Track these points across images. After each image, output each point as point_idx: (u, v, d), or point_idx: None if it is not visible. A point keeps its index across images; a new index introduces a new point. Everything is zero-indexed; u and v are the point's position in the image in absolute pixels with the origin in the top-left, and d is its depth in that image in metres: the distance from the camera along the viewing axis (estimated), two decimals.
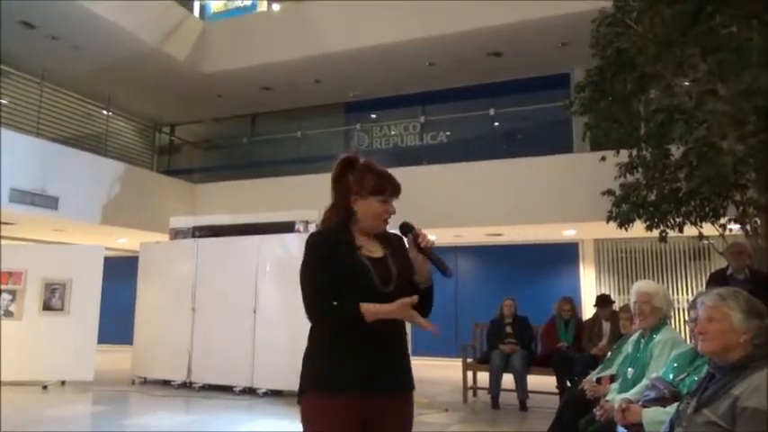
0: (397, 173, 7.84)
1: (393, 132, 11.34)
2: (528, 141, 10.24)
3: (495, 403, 6.29)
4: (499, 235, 9.89)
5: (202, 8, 11.99)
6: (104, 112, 11.37)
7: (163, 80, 10.97)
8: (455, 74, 10.57)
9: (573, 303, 6.76)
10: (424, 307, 1.92)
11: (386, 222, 1.98)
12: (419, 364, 8.58)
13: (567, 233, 9.75)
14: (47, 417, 6.14)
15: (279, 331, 7.00)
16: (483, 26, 9.14)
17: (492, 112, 10.24)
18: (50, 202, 8.21)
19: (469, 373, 6.86)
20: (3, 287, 7.86)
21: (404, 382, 1.92)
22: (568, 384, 5.89)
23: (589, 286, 10.02)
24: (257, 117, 12.47)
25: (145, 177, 10.26)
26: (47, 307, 7.88)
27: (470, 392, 6.89)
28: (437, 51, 9.84)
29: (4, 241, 10.02)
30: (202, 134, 12.88)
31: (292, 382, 6.70)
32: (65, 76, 10.25)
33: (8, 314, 7.83)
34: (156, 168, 11.50)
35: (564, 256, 10.33)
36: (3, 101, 9.91)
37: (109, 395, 7.39)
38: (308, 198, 8.92)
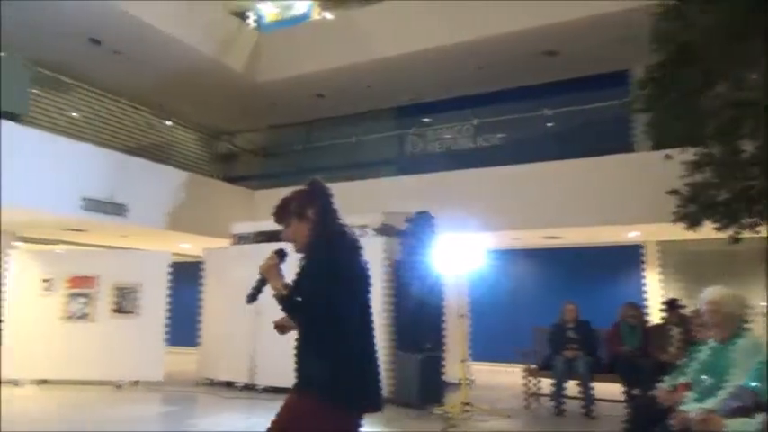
0: (451, 176, 7.90)
1: (446, 136, 11.30)
2: (586, 141, 9.96)
3: (558, 410, 6.15)
4: (557, 238, 9.69)
5: (258, 19, 12.31)
6: (166, 122, 11.84)
7: (221, 90, 11.33)
8: (508, 75, 10.45)
9: (638, 309, 6.55)
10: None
11: (294, 244, 2.30)
12: (477, 370, 8.52)
13: (630, 235, 9.44)
14: (121, 415, 6.44)
15: None
16: (537, 25, 9.01)
17: (547, 112, 10.03)
18: (119, 210, 8.61)
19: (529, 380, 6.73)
20: (78, 291, 8.31)
21: (298, 379, 2.18)
22: (636, 392, 5.71)
23: (654, 290, 9.65)
24: (312, 124, 12.68)
25: (206, 185, 10.61)
26: (118, 310, 8.27)
27: (532, 399, 6.75)
28: (489, 52, 9.76)
29: (77, 248, 10.60)
30: (259, 142, 13.21)
31: None
32: (129, 89, 10.74)
33: (83, 316, 8.28)
34: (216, 176, 11.86)
35: (626, 258, 10.01)
36: (74, 114, 10.50)
37: (178, 395, 7.68)
38: (363, 203, 9.05)
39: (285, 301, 2.14)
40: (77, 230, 9.44)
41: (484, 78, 10.58)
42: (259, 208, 10.83)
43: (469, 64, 10.13)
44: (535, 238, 9.88)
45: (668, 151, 6.49)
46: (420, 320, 6.80)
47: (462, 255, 6.58)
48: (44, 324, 8.16)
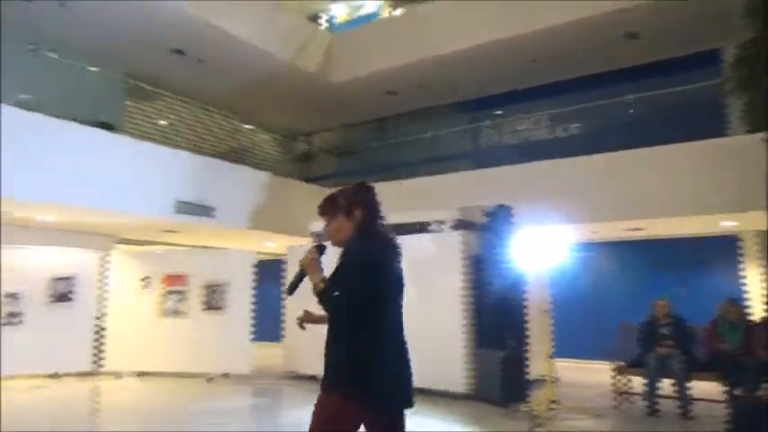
0: (529, 168, 7.70)
1: (522, 127, 11.04)
2: (673, 127, 9.43)
3: (651, 410, 5.87)
4: (643, 229, 9.24)
5: (329, 20, 12.54)
6: (247, 126, 12.32)
7: (296, 92, 11.63)
8: (586, 61, 10.05)
9: (739, 306, 6.16)
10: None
11: (332, 238, 2.39)
12: (561, 367, 8.29)
13: (725, 224, 8.85)
14: (216, 406, 6.80)
15: (418, 330, 7.12)
16: (617, 8, 8.60)
17: (629, 97, 9.57)
18: (208, 211, 9.05)
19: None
20: (172, 288, 8.84)
21: (324, 380, 2.22)
22: (739, 392, 5.37)
23: (755, 284, 8.98)
24: (385, 121, 12.77)
25: (286, 185, 10.93)
26: (208, 306, 8.72)
27: (623, 398, 6.47)
28: (566, 39, 9.42)
29: (172, 248, 11.24)
30: (334, 141, 13.46)
31: (432, 380, 6.83)
32: (211, 95, 11.25)
33: (177, 313, 8.79)
34: (294, 176, 12.19)
35: (721, 250, 9.39)
36: (162, 122, 11.15)
37: (266, 388, 8.00)
38: (439, 198, 9.04)
39: (322, 294, 2.22)
40: (171, 232, 10.01)
41: (560, 66, 10.25)
42: None
43: (544, 52, 9.84)
44: (618, 231, 9.48)
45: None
46: (501, 316, 6.71)
47: (543, 249, 6.42)
48: (143, 320, 8.74)
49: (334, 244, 2.37)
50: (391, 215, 7.84)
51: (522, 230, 7.03)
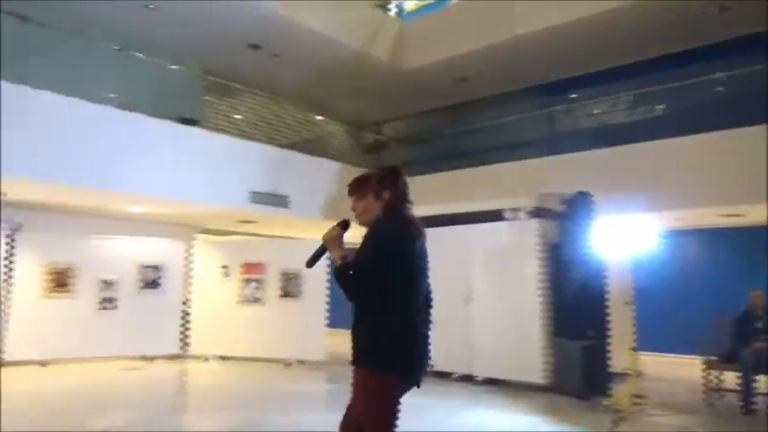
0: (604, 154, 7.33)
1: (599, 110, 10.54)
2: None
3: (747, 409, 5.50)
4: (739, 216, 8.62)
5: (399, 8, 12.46)
6: (319, 117, 12.51)
7: (368, 82, 11.65)
8: (670, 37, 9.44)
9: None
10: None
11: (358, 217, 2.47)
12: (645, 360, 7.92)
13: None
14: (294, 389, 7.03)
15: (494, 319, 7.04)
16: None
17: (720, 75, 8.89)
18: (282, 201, 9.29)
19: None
20: (250, 276, 9.17)
21: (355, 357, 2.26)
22: None
23: None
24: (456, 108, 12.54)
25: (356, 175, 11.03)
26: (285, 294, 8.98)
27: (714, 395, 6.09)
28: (645, 16, 8.88)
29: (248, 238, 11.65)
30: (405, 130, 13.40)
31: (509, 371, 6.74)
32: (285, 87, 11.48)
33: (255, 300, 9.11)
34: (366, 165, 12.27)
35: None
36: (238, 116, 11.50)
37: (339, 374, 8.14)
38: (515, 185, 8.82)
39: (339, 272, 2.29)
40: (248, 222, 10.37)
41: (641, 45, 9.68)
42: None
43: (623, 31, 9.31)
44: (710, 217, 8.89)
45: None
46: (581, 306, 6.49)
47: (625, 237, 6.15)
48: (223, 306, 9.13)
49: (361, 223, 2.44)
50: (464, 203, 7.71)
51: (602, 218, 6.75)
